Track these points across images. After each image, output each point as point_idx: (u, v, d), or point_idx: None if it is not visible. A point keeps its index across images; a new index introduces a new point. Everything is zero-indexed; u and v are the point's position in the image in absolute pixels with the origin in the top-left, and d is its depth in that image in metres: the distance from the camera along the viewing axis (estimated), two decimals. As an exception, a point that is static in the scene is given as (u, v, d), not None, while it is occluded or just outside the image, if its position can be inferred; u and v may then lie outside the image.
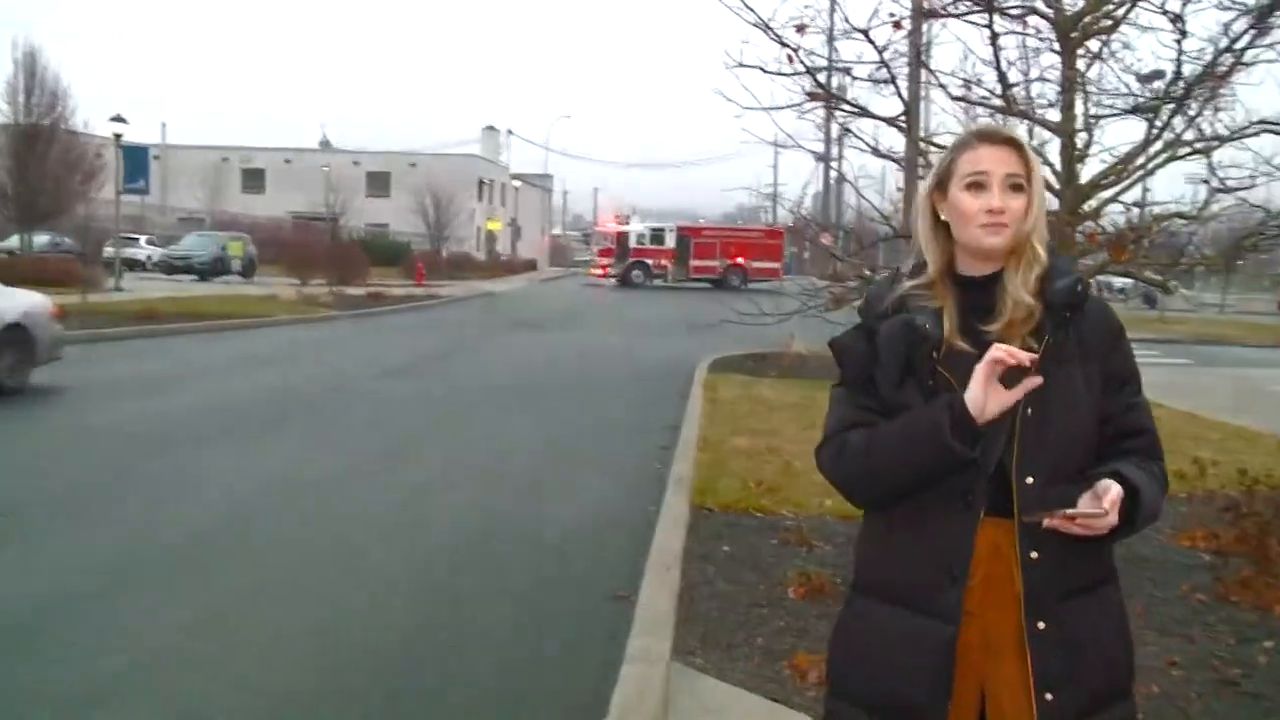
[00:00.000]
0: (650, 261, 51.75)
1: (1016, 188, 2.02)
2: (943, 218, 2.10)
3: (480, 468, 9.22)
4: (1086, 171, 5.88)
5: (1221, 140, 5.62)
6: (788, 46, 6.01)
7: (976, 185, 2.03)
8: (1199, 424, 11.75)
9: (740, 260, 50.22)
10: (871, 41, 6.10)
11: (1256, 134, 5.57)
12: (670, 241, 51.93)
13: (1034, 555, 1.96)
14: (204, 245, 41.17)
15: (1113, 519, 1.89)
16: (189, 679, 4.57)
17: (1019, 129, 6.16)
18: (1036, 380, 1.92)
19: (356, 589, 5.86)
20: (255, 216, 56.02)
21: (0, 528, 6.73)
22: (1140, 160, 5.71)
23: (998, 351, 1.91)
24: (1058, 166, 5.86)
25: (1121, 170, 5.76)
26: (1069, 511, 1.89)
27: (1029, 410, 1.97)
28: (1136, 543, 5.41)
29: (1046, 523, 1.91)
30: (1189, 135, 5.69)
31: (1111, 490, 1.89)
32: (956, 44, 6.38)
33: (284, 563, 6.30)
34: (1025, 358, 1.90)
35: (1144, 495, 1.95)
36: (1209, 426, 11.66)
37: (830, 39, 6.54)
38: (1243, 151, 5.68)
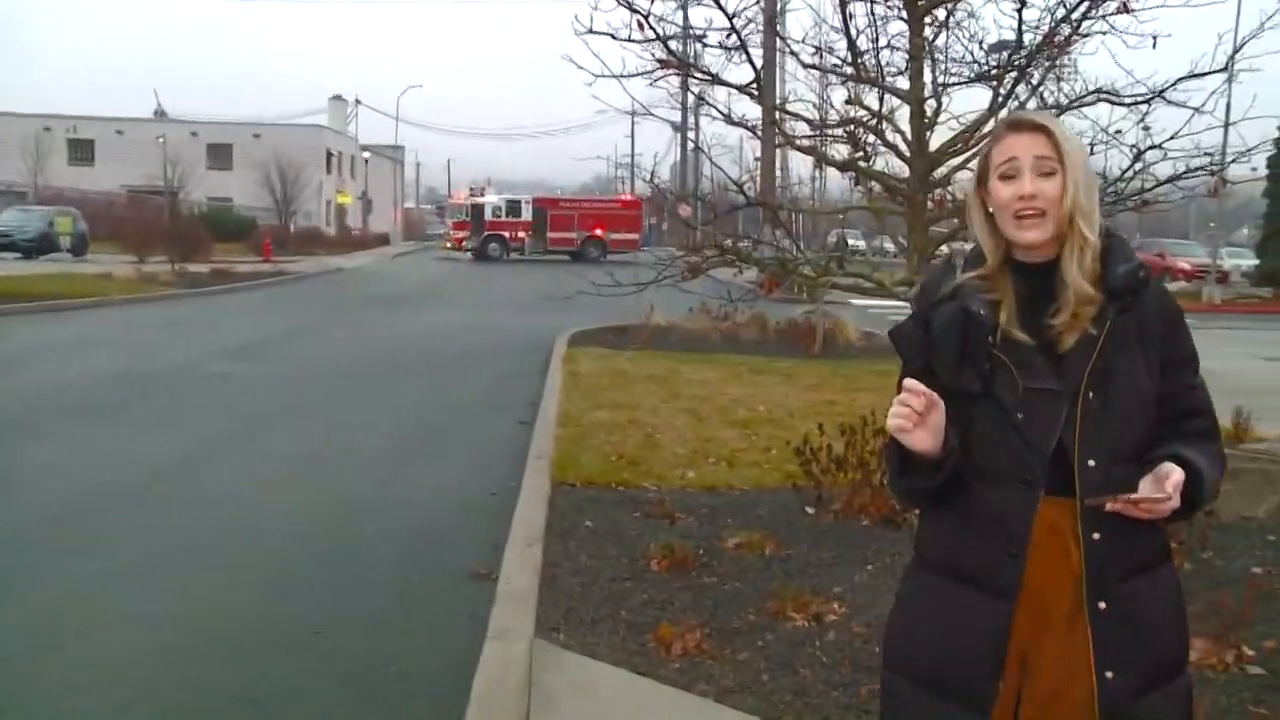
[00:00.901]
0: (506, 234, 51.11)
1: (1049, 172, 2.05)
2: (990, 210, 2.13)
3: (333, 451, 8.94)
4: (936, 139, 5.98)
5: (1061, 109, 5.78)
6: (637, 13, 5.93)
7: (1008, 175, 2.07)
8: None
9: (598, 232, 50.07)
10: (722, 8, 6.07)
11: (1094, 102, 5.74)
12: (527, 214, 51.35)
13: (1096, 537, 2.01)
14: (28, 221, 38.67)
15: (1175, 502, 1.93)
16: (27, 676, 4.32)
17: (870, 103, 6.23)
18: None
19: (207, 579, 5.62)
20: (85, 190, 52.99)
21: None
22: (986, 128, 5.83)
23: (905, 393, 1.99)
24: (908, 135, 5.94)
25: (969, 138, 5.87)
26: (1133, 496, 1.94)
27: (1091, 394, 2.01)
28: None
29: (1110, 506, 1.95)
30: (1032, 104, 5.83)
31: (1174, 474, 1.93)
32: (808, 10, 6.40)
33: (127, 554, 5.99)
34: (920, 392, 1.97)
35: (1205, 477, 1.99)
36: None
37: (683, 5, 6.48)
38: (1082, 120, 5.85)
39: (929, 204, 5.95)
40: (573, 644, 4.54)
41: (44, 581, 5.50)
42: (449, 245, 53.57)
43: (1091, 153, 5.84)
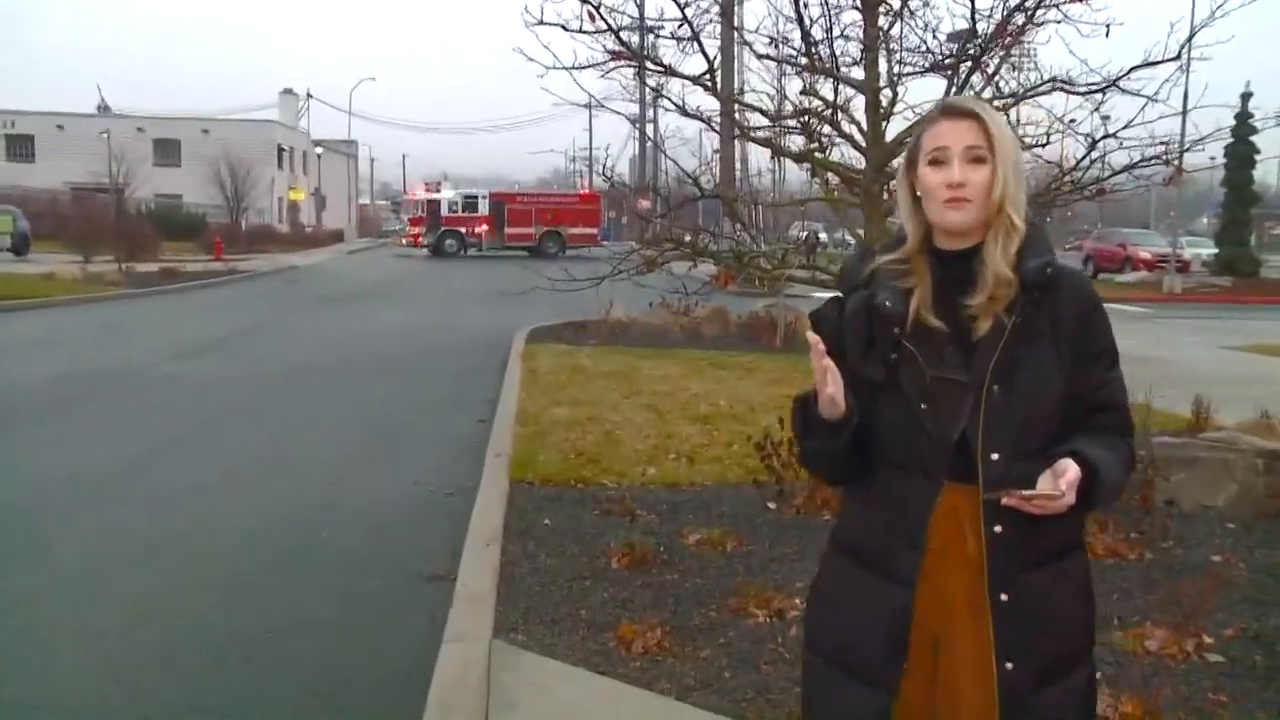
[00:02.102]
0: (463, 230, 50.70)
1: (979, 160, 2.04)
2: (918, 193, 2.12)
3: (287, 453, 8.79)
4: (892, 130, 5.95)
5: (1017, 98, 5.77)
6: (588, 3, 5.85)
7: (938, 161, 2.06)
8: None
9: (557, 226, 49.88)
10: (674, -1, 6.00)
11: (1049, 91, 5.74)
12: (484, 209, 50.96)
13: (997, 529, 2.01)
14: (-36, 219, 37.91)
15: (1069, 500, 1.92)
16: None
17: (825, 93, 6.20)
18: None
19: (156, 586, 5.49)
20: (25, 188, 51.83)
21: None
22: (942, 118, 5.80)
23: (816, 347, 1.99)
24: (864, 125, 5.90)
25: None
26: (1025, 493, 1.93)
27: (995, 388, 2.01)
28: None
29: (1004, 501, 1.95)
30: (987, 93, 5.82)
31: (1069, 472, 1.92)
32: (763, 1, 6.35)
33: (72, 561, 5.85)
34: (815, 343, 1.99)
35: (1103, 475, 1.97)
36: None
37: (635, -5, 6.40)
38: (1037, 110, 5.85)
39: (885, 195, 5.92)
40: (532, 644, 4.48)
41: (-14, 591, 5.34)
42: (405, 242, 53.07)
43: (1047, 142, 5.85)
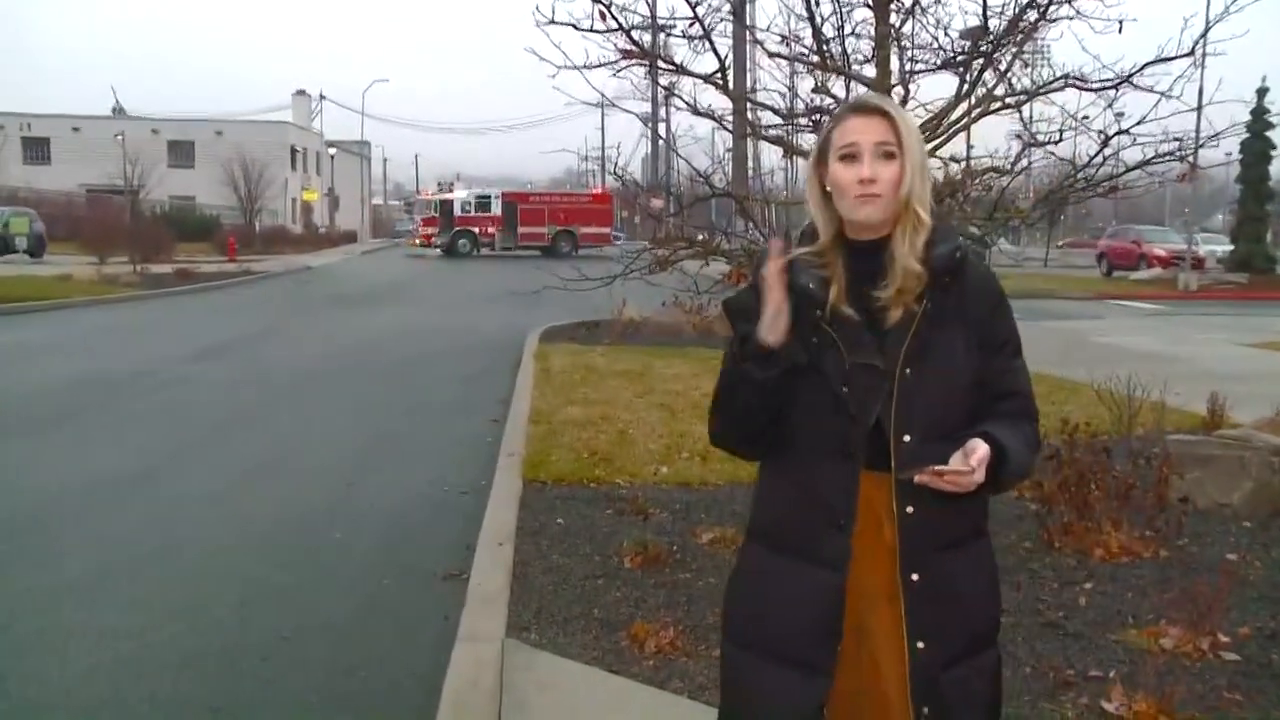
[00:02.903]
0: (476, 230, 50.77)
1: (888, 155, 2.08)
2: (827, 188, 2.16)
3: (301, 454, 8.81)
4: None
5: (1029, 95, 5.74)
6: (599, 2, 5.84)
7: (849, 157, 2.09)
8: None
9: (569, 226, 49.88)
10: (684, -4, 5.99)
11: (1062, 88, 5.71)
12: (496, 209, 51.03)
13: (909, 510, 2.07)
14: (-18, 222, 38.15)
15: (979, 477, 1.99)
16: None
17: (837, 91, 6.18)
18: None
19: (170, 588, 5.52)
20: (41, 190, 52.18)
21: None
22: (954, 115, 5.79)
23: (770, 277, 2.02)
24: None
25: (936, 125, 5.82)
26: (938, 468, 1.98)
27: (908, 370, 2.07)
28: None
29: (917, 478, 1.99)
30: (1000, 90, 5.79)
31: (979, 450, 2.00)
32: None
33: (86, 563, 5.86)
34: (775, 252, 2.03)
35: (1010, 455, 2.05)
36: (1035, 379, 11.97)
37: (647, -7, 6.38)
38: (1050, 106, 5.82)
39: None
40: (545, 644, 4.49)
41: None
42: (418, 242, 53.18)
43: (1060, 139, 5.82)
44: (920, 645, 2.06)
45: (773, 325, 2.04)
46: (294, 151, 69.42)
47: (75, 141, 61.91)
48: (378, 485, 7.72)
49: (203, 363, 14.05)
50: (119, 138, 52.88)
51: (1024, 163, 6.04)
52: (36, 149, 63.46)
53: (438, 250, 50.28)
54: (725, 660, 2.29)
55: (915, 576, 2.07)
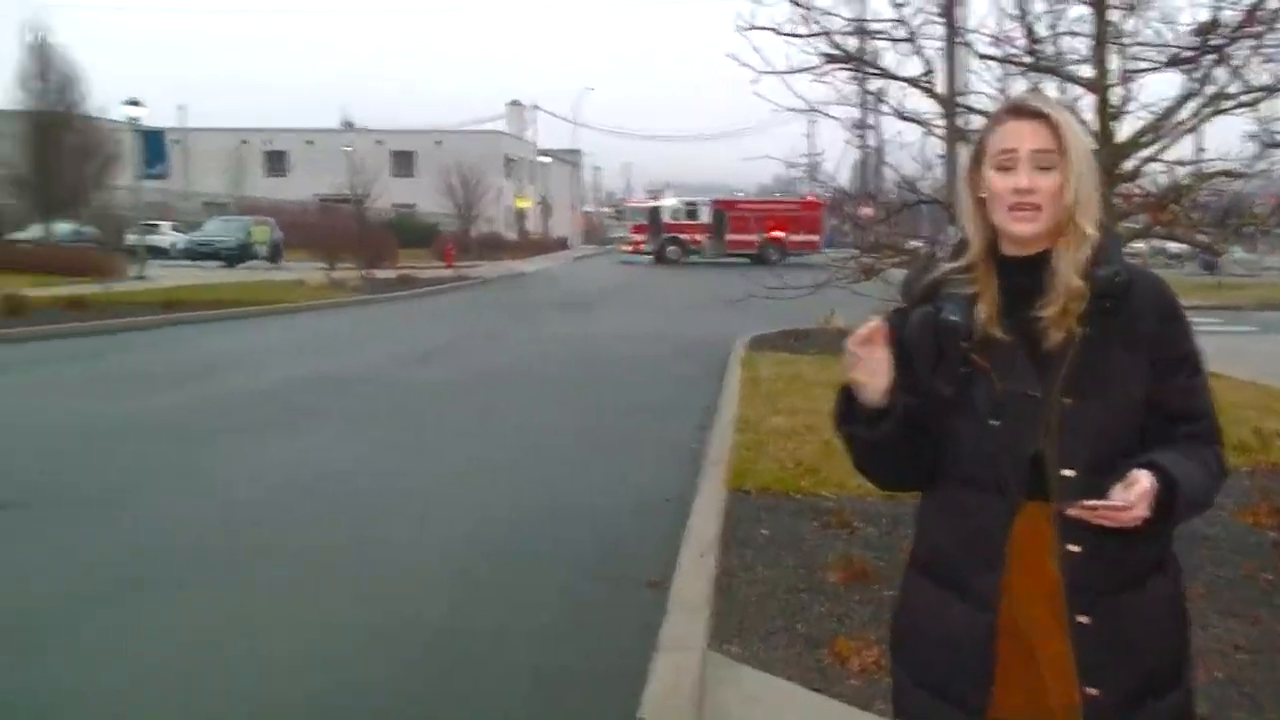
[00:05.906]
0: (685, 237, 51.23)
1: (1047, 166, 1.91)
2: (982, 195, 2.00)
3: (513, 456, 9.12)
4: (1124, 129, 5.64)
5: (1268, 91, 5.36)
6: (800, 5, 5.81)
7: (1005, 166, 1.94)
8: (1262, 393, 11.24)
9: (778, 234, 49.53)
10: (890, -3, 5.89)
11: (1306, 83, 5.31)
12: (705, 216, 51.34)
13: (1073, 549, 1.91)
14: (228, 231, 41.25)
15: (1140, 512, 1.80)
16: (220, 677, 4.53)
17: (1049, 93, 5.94)
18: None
19: (390, 582, 5.81)
20: (280, 200, 55.97)
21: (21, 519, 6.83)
22: (1181, 116, 5.47)
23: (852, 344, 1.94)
24: (1093, 125, 5.62)
25: (1160, 127, 5.52)
26: (1088, 503, 1.82)
27: (1068, 400, 1.90)
28: (1196, 520, 5.25)
29: (1069, 512, 1.85)
30: (1234, 88, 5.43)
31: (1140, 482, 1.80)
32: None
33: (307, 557, 6.24)
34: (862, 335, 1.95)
35: (1182, 487, 1.84)
36: (1273, 396, 11.20)
37: (852, -4, 6.31)
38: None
39: (1118, 198, 5.61)
40: (747, 657, 4.47)
41: (220, 583, 5.76)
42: (628, 249, 54.14)
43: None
44: (1091, 692, 1.91)
45: (873, 386, 1.95)
46: (508, 160, 71.81)
47: (309, 154, 66.16)
48: (583, 488, 7.91)
49: (425, 365, 14.77)
50: (348, 149, 56.09)
51: (1262, 165, 5.64)
52: (276, 162, 68.31)
53: (648, 257, 51.00)
54: (893, 676, 2.24)
55: (1084, 619, 1.91)
